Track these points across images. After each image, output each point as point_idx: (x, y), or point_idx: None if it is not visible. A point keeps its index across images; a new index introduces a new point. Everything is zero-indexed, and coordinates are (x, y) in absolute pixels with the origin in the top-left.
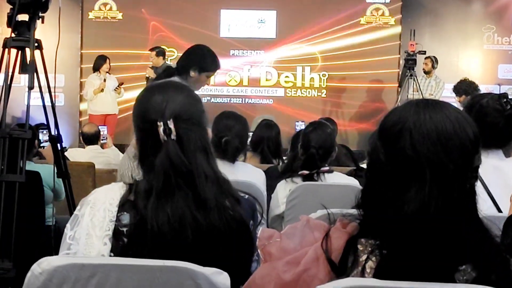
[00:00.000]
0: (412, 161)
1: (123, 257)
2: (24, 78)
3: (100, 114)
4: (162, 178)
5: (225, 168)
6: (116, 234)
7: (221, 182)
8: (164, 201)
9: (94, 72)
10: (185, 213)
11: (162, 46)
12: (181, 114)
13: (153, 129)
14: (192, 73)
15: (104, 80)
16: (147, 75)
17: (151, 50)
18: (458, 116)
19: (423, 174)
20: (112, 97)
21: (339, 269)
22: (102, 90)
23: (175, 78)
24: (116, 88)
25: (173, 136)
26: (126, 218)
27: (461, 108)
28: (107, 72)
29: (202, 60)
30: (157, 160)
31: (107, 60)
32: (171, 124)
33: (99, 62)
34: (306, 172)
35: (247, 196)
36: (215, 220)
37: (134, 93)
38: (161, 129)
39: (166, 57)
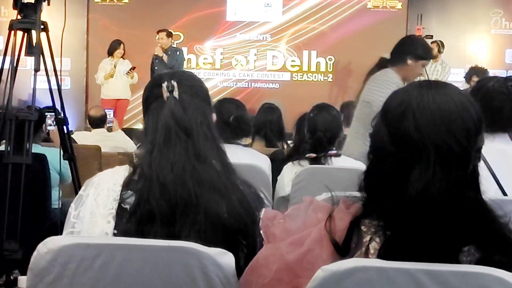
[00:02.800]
0: (416, 142)
1: (128, 232)
2: (31, 61)
3: (112, 98)
4: (163, 131)
5: (230, 153)
6: (120, 212)
7: (220, 150)
8: (166, 151)
9: (108, 56)
10: (186, 164)
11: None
12: (185, 82)
13: (158, 92)
14: (409, 62)
15: (115, 66)
16: (156, 53)
17: (161, 31)
18: (461, 97)
19: (427, 155)
20: (123, 82)
21: (343, 250)
22: (112, 76)
23: (389, 70)
24: (128, 72)
25: (175, 94)
26: (129, 195)
27: None
28: (121, 57)
29: (417, 48)
30: (160, 117)
31: (121, 45)
32: (174, 83)
33: (113, 46)
34: (313, 155)
35: (253, 190)
36: (214, 178)
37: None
38: (164, 85)
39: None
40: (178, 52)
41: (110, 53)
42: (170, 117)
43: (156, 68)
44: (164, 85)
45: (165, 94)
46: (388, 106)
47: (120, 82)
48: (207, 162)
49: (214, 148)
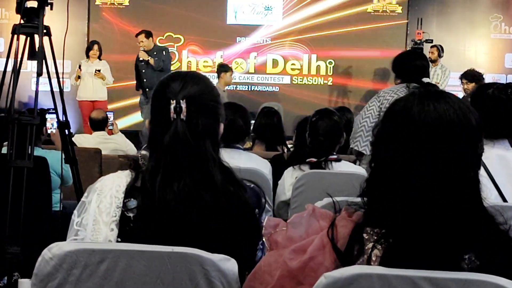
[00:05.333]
0: (417, 150)
1: (130, 241)
2: (31, 63)
3: (86, 100)
4: (169, 155)
5: (230, 157)
6: (123, 220)
7: (226, 170)
8: (171, 179)
9: (86, 57)
10: (192, 192)
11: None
12: (194, 98)
13: (165, 108)
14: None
15: (79, 67)
16: (141, 58)
17: (139, 34)
18: (460, 105)
19: (428, 162)
20: (96, 83)
21: (345, 257)
22: (79, 77)
23: None
24: (95, 73)
25: (182, 116)
26: (133, 204)
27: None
28: (98, 57)
29: None
30: (165, 138)
31: (95, 45)
32: (183, 104)
33: (88, 47)
34: (314, 159)
35: (252, 185)
36: (222, 202)
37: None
38: (172, 107)
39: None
40: (164, 52)
41: (87, 54)
42: (175, 141)
43: (143, 71)
44: (172, 106)
45: (172, 114)
46: (389, 115)
47: (90, 83)
48: (215, 187)
49: (220, 168)
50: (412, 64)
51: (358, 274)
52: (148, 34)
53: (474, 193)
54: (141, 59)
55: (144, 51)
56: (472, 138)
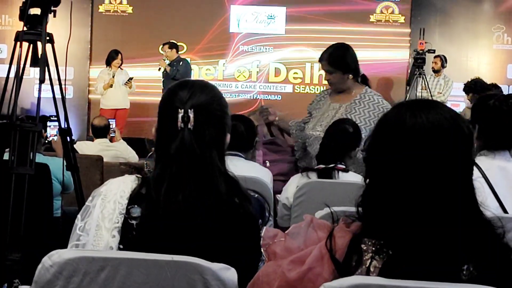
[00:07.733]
0: (412, 161)
1: (133, 249)
2: (34, 70)
3: (111, 108)
4: (175, 165)
5: (232, 164)
6: (126, 227)
7: (231, 181)
8: (176, 188)
9: (106, 66)
10: (196, 202)
11: (172, 40)
12: (202, 108)
13: (173, 117)
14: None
15: (113, 76)
16: (159, 67)
17: (164, 44)
18: (452, 113)
19: (423, 173)
20: (122, 92)
21: (343, 268)
22: (111, 86)
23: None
24: (127, 82)
25: (190, 125)
26: (136, 211)
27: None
28: (119, 66)
29: None
30: (172, 146)
31: (119, 55)
32: (191, 113)
33: (111, 56)
34: (322, 166)
35: (256, 195)
36: (226, 213)
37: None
38: (180, 116)
39: (179, 50)
40: (181, 63)
41: (108, 63)
42: (182, 150)
43: (163, 79)
44: (180, 115)
45: (180, 123)
46: (381, 129)
47: (119, 91)
48: (219, 198)
49: (225, 179)
50: (355, 56)
51: (357, 285)
52: (172, 46)
53: (471, 199)
54: (159, 67)
55: (168, 61)
56: (466, 146)
